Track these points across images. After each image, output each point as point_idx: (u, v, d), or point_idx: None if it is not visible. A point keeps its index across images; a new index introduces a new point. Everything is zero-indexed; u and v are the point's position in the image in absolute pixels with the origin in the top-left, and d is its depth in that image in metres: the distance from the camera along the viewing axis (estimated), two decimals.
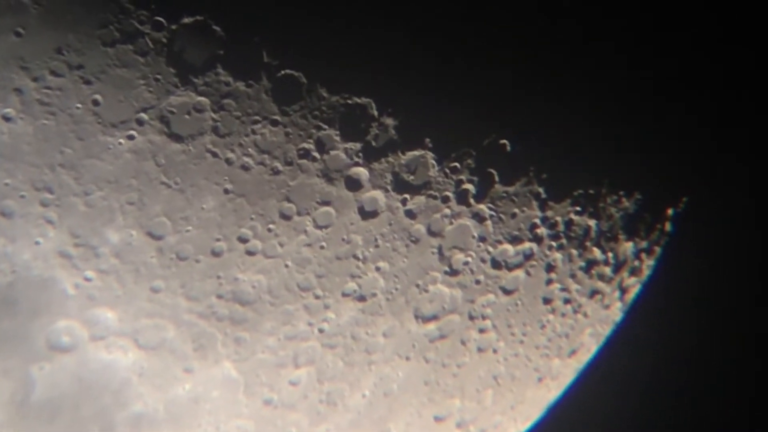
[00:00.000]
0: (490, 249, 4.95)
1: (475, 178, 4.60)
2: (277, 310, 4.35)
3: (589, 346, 6.30)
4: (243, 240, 4.09)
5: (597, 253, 5.65)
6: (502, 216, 4.86)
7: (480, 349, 5.33)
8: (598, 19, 4.64)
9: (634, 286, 6.34)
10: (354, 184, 4.23)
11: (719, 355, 7.91)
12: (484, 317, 5.19)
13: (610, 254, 5.77)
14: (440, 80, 4.18)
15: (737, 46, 5.67)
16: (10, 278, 3.67)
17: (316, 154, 4.05)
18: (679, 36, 5.13)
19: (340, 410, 4.88)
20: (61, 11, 3.27)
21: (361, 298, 4.59)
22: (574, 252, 5.46)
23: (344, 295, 4.52)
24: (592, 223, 5.41)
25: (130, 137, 3.61)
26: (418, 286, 4.77)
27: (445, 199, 4.56)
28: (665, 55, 5.13)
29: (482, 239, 4.87)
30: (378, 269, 4.56)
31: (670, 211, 6.12)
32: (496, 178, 4.68)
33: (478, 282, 5.01)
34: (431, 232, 4.63)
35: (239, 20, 3.58)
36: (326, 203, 4.21)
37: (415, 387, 5.14)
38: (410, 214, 4.49)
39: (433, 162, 4.39)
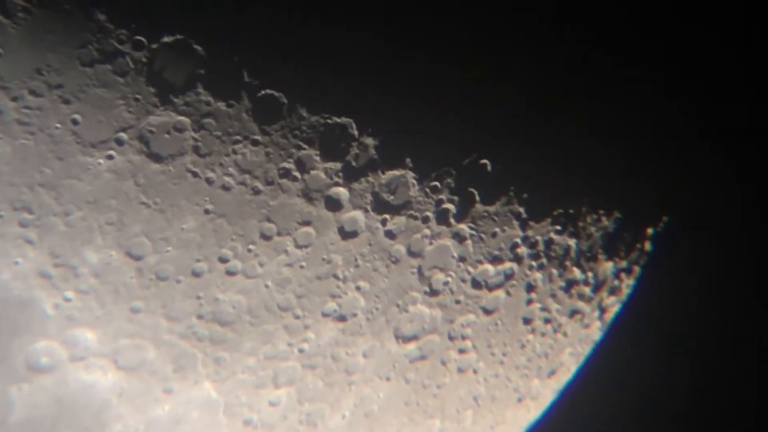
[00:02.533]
0: (471, 269, 4.96)
1: (456, 198, 4.61)
2: (257, 330, 4.35)
3: (568, 366, 6.30)
4: (223, 260, 4.08)
5: (577, 272, 5.66)
6: (482, 235, 4.86)
7: (460, 370, 5.33)
8: (579, 42, 4.67)
9: (614, 305, 6.36)
10: (334, 204, 4.23)
11: (700, 374, 7.93)
12: (464, 337, 5.19)
13: (589, 274, 5.78)
14: (420, 100, 4.20)
15: (720, 62, 5.71)
16: None
17: (297, 174, 4.05)
18: (660, 53, 5.16)
19: (320, 431, 4.87)
20: (41, 31, 3.27)
21: (341, 318, 4.59)
22: (555, 272, 5.47)
23: (324, 315, 4.52)
24: (572, 242, 5.42)
25: (110, 157, 3.60)
26: (398, 306, 4.77)
27: (426, 219, 4.57)
28: (645, 76, 5.16)
29: (462, 259, 4.87)
30: (358, 289, 4.56)
31: (649, 231, 6.15)
32: (477, 198, 4.69)
33: (458, 302, 5.02)
34: (411, 252, 4.63)
35: (220, 40, 3.58)
36: (306, 223, 4.21)
37: (396, 407, 5.13)
38: (390, 234, 4.50)
39: (414, 182, 4.40)
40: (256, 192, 3.99)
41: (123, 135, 3.59)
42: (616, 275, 6.10)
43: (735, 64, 5.88)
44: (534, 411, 6.34)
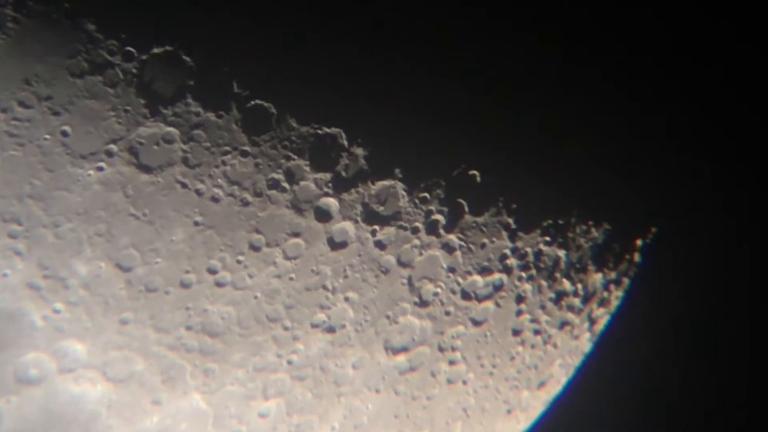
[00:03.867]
0: (460, 280, 4.95)
1: (445, 209, 4.61)
2: (246, 342, 4.34)
3: (558, 378, 6.30)
4: (212, 271, 4.07)
5: (566, 284, 5.66)
6: (471, 246, 4.87)
7: (450, 381, 5.33)
8: (568, 55, 4.69)
9: (603, 317, 6.36)
10: (324, 215, 4.23)
11: (687, 387, 7.95)
12: (453, 349, 5.18)
13: (579, 285, 5.79)
14: (410, 111, 4.20)
15: (705, 79, 5.74)
16: None
17: (286, 185, 4.05)
18: (647, 67, 5.18)
19: None
20: (30, 42, 3.27)
21: (331, 330, 4.58)
22: (544, 283, 5.48)
23: (313, 326, 4.51)
24: (561, 253, 5.43)
25: (99, 168, 3.60)
26: (387, 317, 4.76)
27: (415, 230, 4.57)
28: (635, 85, 5.18)
29: (452, 270, 4.88)
30: (347, 300, 4.55)
31: (638, 242, 6.16)
32: (466, 209, 4.70)
33: (447, 313, 5.01)
34: (401, 263, 4.63)
35: (209, 50, 3.59)
36: (296, 234, 4.21)
37: (385, 419, 5.12)
38: (380, 245, 4.50)
39: (403, 192, 4.40)
40: (245, 203, 3.99)
41: (112, 146, 3.59)
42: (606, 287, 6.11)
43: (720, 77, 5.91)
44: (524, 422, 6.33)
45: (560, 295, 5.69)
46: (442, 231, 4.68)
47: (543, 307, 5.63)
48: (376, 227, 4.44)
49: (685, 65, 5.49)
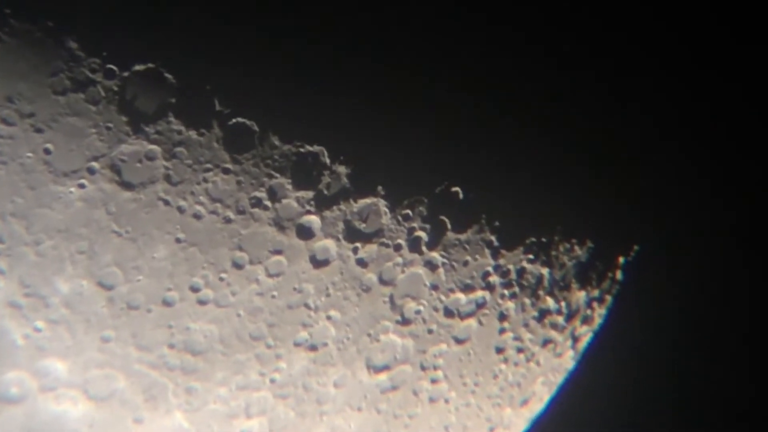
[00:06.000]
0: (443, 297, 4.95)
1: (428, 226, 4.62)
2: (229, 360, 4.33)
3: (541, 395, 6.30)
4: (194, 289, 4.06)
5: (550, 301, 5.67)
6: (454, 264, 4.87)
7: (432, 400, 5.32)
8: (548, 69, 4.71)
9: (586, 334, 6.37)
10: (306, 233, 4.23)
11: (672, 404, 7.95)
12: (436, 367, 5.18)
13: (562, 303, 5.79)
14: (392, 128, 4.21)
15: (694, 99, 5.77)
16: None
17: (268, 203, 4.05)
18: (635, 82, 5.21)
19: None
20: (12, 59, 3.27)
21: (313, 348, 4.57)
22: (527, 301, 5.48)
23: (296, 344, 4.50)
24: (544, 271, 5.43)
25: (81, 186, 3.59)
26: (369, 335, 4.76)
27: (397, 247, 4.57)
28: (618, 104, 5.20)
29: (434, 288, 4.87)
30: (329, 318, 4.55)
31: (621, 260, 6.18)
32: (449, 226, 4.70)
33: (430, 331, 5.01)
34: (383, 281, 4.63)
35: (191, 68, 3.59)
36: (278, 252, 4.20)
37: None
38: (362, 263, 4.50)
39: (386, 210, 4.40)
40: (228, 221, 3.99)
41: (95, 164, 3.58)
42: (589, 304, 6.12)
43: (709, 92, 5.94)
44: None
45: (543, 313, 5.70)
46: (424, 248, 4.68)
47: (526, 325, 5.63)
48: (359, 245, 4.44)
49: (675, 85, 5.52)
